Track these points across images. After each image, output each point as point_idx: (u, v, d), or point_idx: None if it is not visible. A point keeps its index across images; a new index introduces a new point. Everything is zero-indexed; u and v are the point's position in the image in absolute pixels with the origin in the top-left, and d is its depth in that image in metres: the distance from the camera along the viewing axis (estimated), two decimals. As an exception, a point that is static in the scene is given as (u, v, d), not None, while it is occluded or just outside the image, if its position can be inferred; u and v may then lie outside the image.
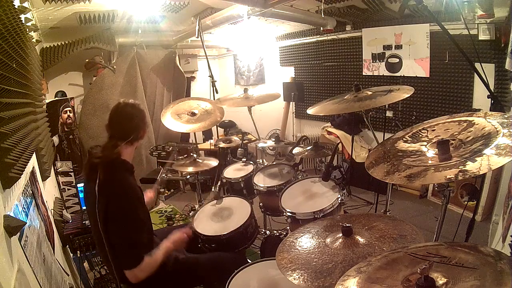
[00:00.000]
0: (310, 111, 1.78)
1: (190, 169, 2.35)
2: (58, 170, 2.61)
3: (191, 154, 2.49)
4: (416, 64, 3.55)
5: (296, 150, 2.30)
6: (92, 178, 1.36)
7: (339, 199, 1.66)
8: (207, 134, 5.22)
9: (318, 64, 4.69)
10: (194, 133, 2.91)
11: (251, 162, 2.55)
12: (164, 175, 2.40)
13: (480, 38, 2.87)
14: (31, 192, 1.42)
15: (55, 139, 3.02)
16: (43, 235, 1.44)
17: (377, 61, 3.89)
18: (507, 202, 1.93)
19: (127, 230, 1.32)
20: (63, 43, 3.47)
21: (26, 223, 1.12)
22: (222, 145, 2.87)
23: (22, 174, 1.14)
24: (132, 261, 1.31)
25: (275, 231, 2.23)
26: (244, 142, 2.76)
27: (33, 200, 1.42)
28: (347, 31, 4.09)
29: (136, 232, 1.34)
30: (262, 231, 2.30)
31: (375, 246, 1.06)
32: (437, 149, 1.02)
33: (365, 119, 2.17)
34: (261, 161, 2.73)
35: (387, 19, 3.63)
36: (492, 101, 1.30)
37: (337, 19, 3.92)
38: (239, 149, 2.63)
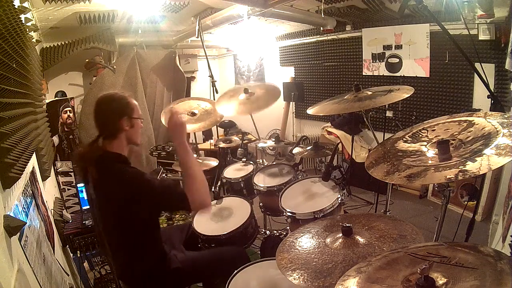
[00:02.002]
0: (310, 111, 1.78)
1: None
2: (58, 170, 2.61)
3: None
4: (416, 64, 3.55)
5: (296, 150, 2.30)
6: (87, 179, 1.34)
7: (339, 199, 1.66)
8: (207, 134, 5.22)
9: (318, 64, 4.69)
10: (194, 133, 2.91)
11: (251, 162, 2.55)
12: (164, 175, 2.40)
13: (480, 38, 2.87)
14: (31, 192, 1.41)
15: (55, 139, 3.02)
16: (43, 235, 1.44)
17: (377, 61, 3.89)
18: (507, 202, 1.93)
19: (159, 191, 1.28)
20: (63, 43, 3.47)
21: (26, 223, 1.12)
22: (222, 145, 2.87)
23: (22, 174, 1.14)
24: (186, 199, 1.25)
25: (275, 231, 2.23)
26: (244, 142, 2.76)
27: (33, 200, 1.42)
28: (347, 31, 4.10)
29: (165, 186, 1.31)
30: (262, 231, 2.30)
31: (375, 246, 1.06)
32: (437, 149, 1.02)
33: (365, 119, 2.18)
34: (261, 161, 2.73)
35: (387, 19, 3.63)
36: (492, 101, 1.30)
37: (337, 19, 3.92)
38: (239, 149, 2.63)
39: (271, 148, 4.78)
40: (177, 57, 4.61)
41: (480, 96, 3.08)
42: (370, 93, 1.66)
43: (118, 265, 1.42)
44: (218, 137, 4.12)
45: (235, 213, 1.96)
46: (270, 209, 2.16)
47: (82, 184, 2.40)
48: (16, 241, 1.00)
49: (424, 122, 1.23)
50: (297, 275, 1.00)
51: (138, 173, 1.34)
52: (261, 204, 2.22)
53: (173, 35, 4.29)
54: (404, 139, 1.21)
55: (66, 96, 3.70)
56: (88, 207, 2.30)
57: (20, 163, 1.11)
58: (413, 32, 3.47)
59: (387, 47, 3.75)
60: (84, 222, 2.14)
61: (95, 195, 1.31)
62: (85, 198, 2.31)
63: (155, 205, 1.32)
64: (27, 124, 1.43)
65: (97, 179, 1.29)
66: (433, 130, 1.16)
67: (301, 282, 0.98)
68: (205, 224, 1.88)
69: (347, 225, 1.13)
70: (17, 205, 1.11)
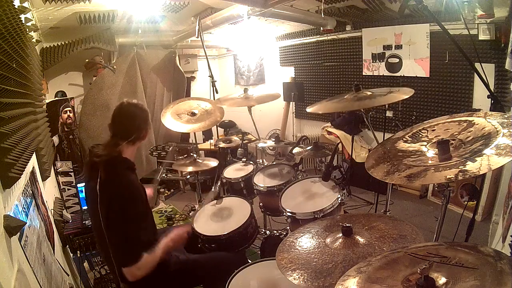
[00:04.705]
0: (310, 109, 1.77)
1: (190, 169, 2.35)
2: (58, 170, 2.61)
3: (191, 154, 2.50)
4: (416, 64, 3.55)
5: (296, 150, 2.30)
6: (93, 177, 1.36)
7: (339, 199, 1.66)
8: (207, 134, 5.22)
9: (318, 64, 4.69)
10: (194, 133, 2.91)
11: (251, 162, 2.55)
12: (164, 175, 2.40)
13: (480, 38, 2.87)
14: (31, 192, 1.42)
15: (55, 139, 3.02)
16: (43, 235, 1.44)
17: (377, 61, 3.89)
18: (507, 202, 1.93)
19: (126, 227, 1.31)
20: (63, 43, 3.47)
21: (26, 223, 1.12)
22: (222, 145, 2.87)
23: (22, 174, 1.14)
24: (129, 258, 1.29)
25: (275, 231, 2.23)
26: (244, 142, 2.76)
27: (33, 200, 1.42)
28: (347, 31, 4.09)
29: (135, 229, 1.33)
30: (262, 231, 2.30)
31: (375, 246, 1.06)
32: (437, 149, 1.02)
33: (365, 119, 2.18)
34: (261, 161, 2.73)
35: (387, 19, 3.63)
36: (492, 101, 1.30)
37: (337, 19, 3.92)
38: (239, 149, 2.63)
39: (271, 148, 4.78)
40: (177, 57, 4.62)
41: (480, 96, 3.08)
42: (370, 93, 1.66)
43: (119, 264, 1.42)
44: (218, 137, 4.12)
45: (235, 213, 1.96)
46: (270, 209, 2.16)
47: (82, 184, 2.40)
48: (16, 241, 1.00)
49: (424, 122, 1.23)
50: (297, 275, 1.00)
51: (133, 190, 1.37)
52: (261, 204, 2.22)
53: (173, 35, 4.29)
54: (404, 139, 1.21)
55: (66, 96, 3.70)
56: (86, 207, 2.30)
57: (20, 163, 1.11)
58: (413, 32, 3.47)
59: (387, 47, 3.74)
60: (84, 222, 2.15)
61: (99, 196, 1.32)
62: (85, 196, 2.32)
63: (114, 227, 1.32)
64: (27, 124, 1.43)
65: (103, 179, 1.32)
66: (433, 130, 1.16)
67: (301, 282, 0.97)
68: (205, 224, 1.88)
69: (347, 225, 1.13)
70: (17, 205, 1.12)
